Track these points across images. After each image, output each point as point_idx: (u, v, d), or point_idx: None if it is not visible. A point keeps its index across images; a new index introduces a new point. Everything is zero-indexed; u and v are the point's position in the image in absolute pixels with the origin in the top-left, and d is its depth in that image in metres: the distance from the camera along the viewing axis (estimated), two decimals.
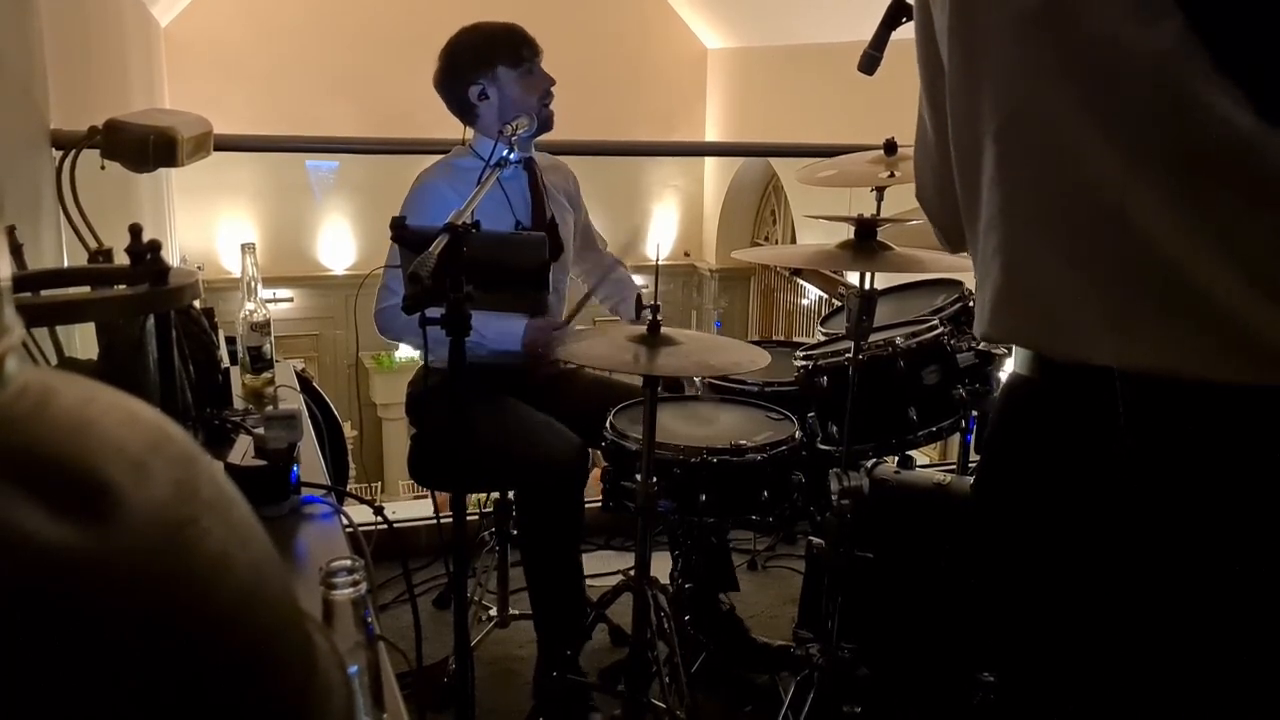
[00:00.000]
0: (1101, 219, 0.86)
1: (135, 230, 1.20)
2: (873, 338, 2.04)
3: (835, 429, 2.11)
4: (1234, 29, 0.79)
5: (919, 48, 1.04)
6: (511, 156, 2.00)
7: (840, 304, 2.29)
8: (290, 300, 10.61)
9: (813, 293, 9.66)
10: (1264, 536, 0.84)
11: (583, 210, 2.54)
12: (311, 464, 1.50)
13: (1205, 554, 0.86)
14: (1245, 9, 0.79)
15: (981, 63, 0.93)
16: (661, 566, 2.31)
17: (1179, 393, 0.84)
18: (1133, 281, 0.85)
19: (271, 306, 1.81)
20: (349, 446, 2.87)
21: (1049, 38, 0.86)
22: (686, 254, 11.83)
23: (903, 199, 2.08)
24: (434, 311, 1.38)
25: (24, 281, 1.21)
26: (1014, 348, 1.01)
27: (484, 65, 2.24)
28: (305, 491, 1.37)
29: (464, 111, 2.29)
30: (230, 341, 1.90)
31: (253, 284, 1.74)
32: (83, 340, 1.69)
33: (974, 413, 2.21)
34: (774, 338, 8.83)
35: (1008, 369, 2.20)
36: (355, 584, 0.66)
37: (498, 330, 2.22)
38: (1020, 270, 0.94)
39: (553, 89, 2.28)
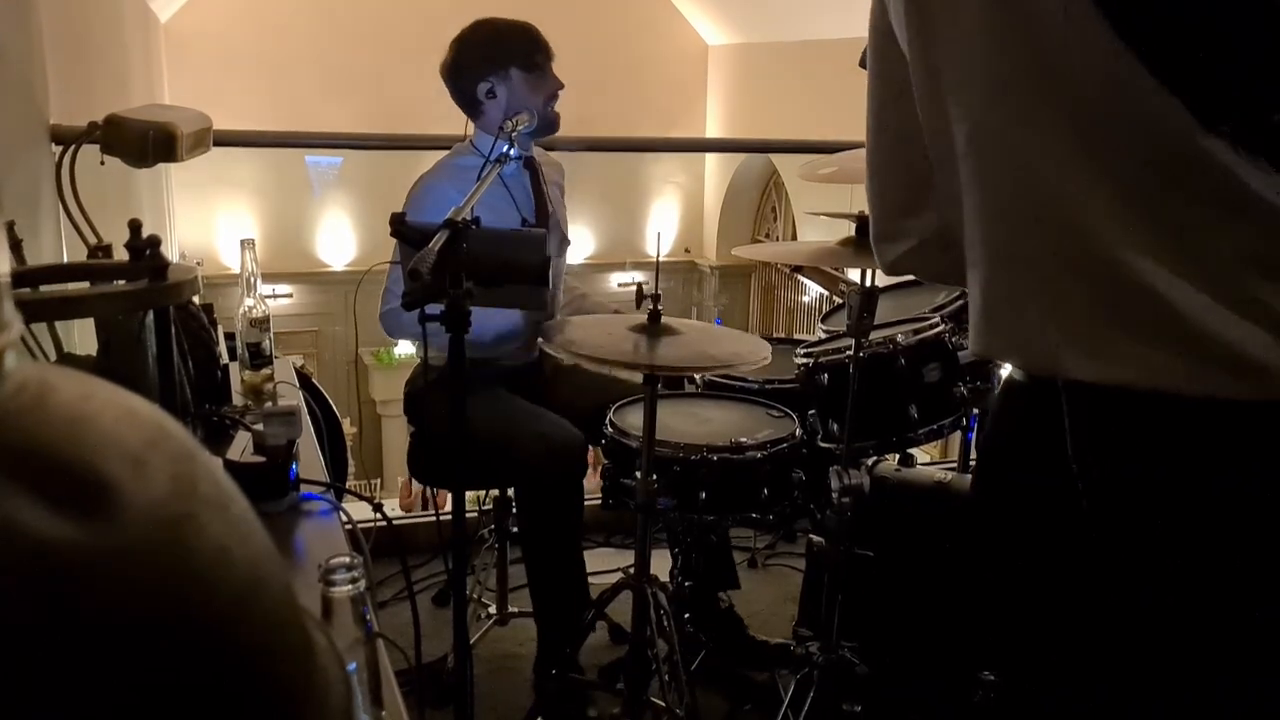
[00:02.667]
0: (1064, 235, 0.87)
1: (134, 226, 1.19)
2: (874, 335, 2.04)
3: (836, 426, 2.11)
4: (1163, 41, 0.79)
5: (876, 43, 1.04)
6: (512, 153, 1.99)
7: (841, 301, 2.29)
8: (290, 296, 10.60)
9: (814, 290, 9.67)
10: (1232, 542, 0.84)
11: None
12: (310, 461, 1.50)
13: (1177, 563, 0.86)
14: (1172, 23, 0.80)
15: (942, 73, 0.93)
16: (661, 564, 2.31)
17: (1144, 406, 0.84)
18: (1096, 297, 0.86)
19: (271, 302, 1.80)
20: (348, 443, 2.87)
21: (1002, 45, 0.87)
22: (687, 250, 11.83)
23: None
24: (435, 308, 1.38)
25: (23, 277, 1.21)
26: None
27: (495, 64, 2.23)
28: (304, 488, 1.36)
29: (469, 106, 2.29)
30: (229, 338, 1.89)
31: (252, 280, 1.74)
32: (82, 336, 1.69)
33: (975, 410, 2.21)
34: (775, 335, 8.83)
35: (1009, 368, 2.21)
36: (354, 581, 0.66)
37: (498, 320, 2.23)
38: (992, 288, 0.95)
39: (560, 92, 2.28)
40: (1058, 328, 0.88)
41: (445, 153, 2.38)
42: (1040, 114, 0.86)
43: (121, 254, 1.25)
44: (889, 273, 1.16)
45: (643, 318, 1.88)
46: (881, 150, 1.09)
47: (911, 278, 2.51)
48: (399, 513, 4.52)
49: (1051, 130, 0.85)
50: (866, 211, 2.00)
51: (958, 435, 2.46)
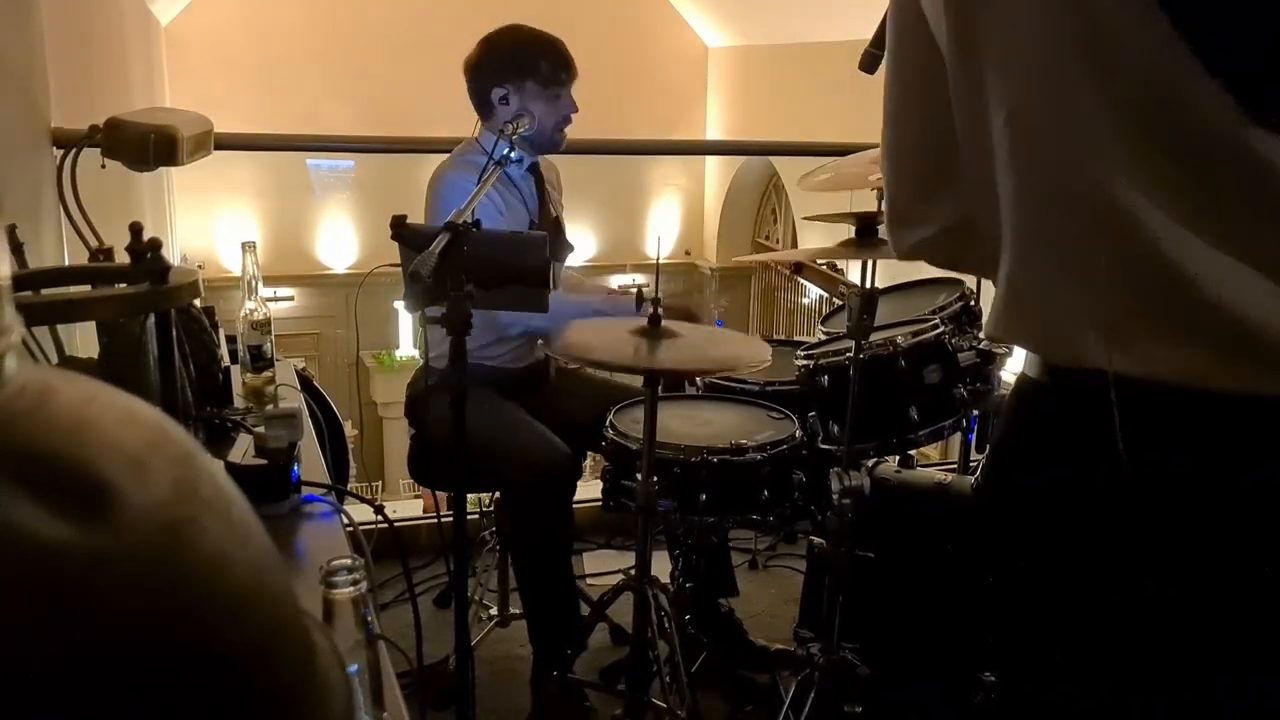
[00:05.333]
0: (1100, 222, 0.86)
1: (136, 229, 1.19)
2: (874, 336, 2.04)
3: (836, 428, 2.11)
4: (1216, 30, 0.79)
5: (896, 39, 1.03)
6: (512, 155, 2.00)
7: (841, 303, 2.29)
8: (291, 299, 10.62)
9: (814, 292, 9.67)
10: (1243, 539, 0.84)
11: None
12: (312, 463, 1.50)
13: (1204, 563, 0.86)
14: (1226, 12, 0.79)
15: (983, 55, 0.92)
16: (662, 566, 2.31)
17: (1176, 401, 0.83)
18: (1135, 288, 0.85)
19: (272, 305, 1.81)
20: (349, 445, 2.87)
21: (1053, 30, 0.86)
22: (687, 253, 11.84)
23: None
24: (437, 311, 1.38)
25: (25, 280, 1.21)
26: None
27: (516, 73, 2.23)
28: (305, 490, 1.36)
29: (481, 105, 2.30)
30: (231, 340, 1.89)
31: (253, 283, 1.74)
32: (83, 339, 1.69)
33: (975, 412, 2.21)
34: (775, 336, 8.82)
35: (1009, 368, 2.21)
36: (355, 583, 0.66)
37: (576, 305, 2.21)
38: (1021, 273, 0.94)
39: (572, 116, 2.29)
40: (1086, 315, 0.87)
41: (447, 154, 2.39)
42: (1084, 98, 0.85)
43: (123, 257, 1.26)
44: (904, 258, 1.14)
45: (643, 321, 1.88)
46: (902, 137, 1.07)
47: (911, 279, 2.52)
48: (400, 514, 4.51)
49: (1095, 115, 0.84)
50: (868, 211, 2.01)
51: (958, 437, 2.46)
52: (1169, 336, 0.83)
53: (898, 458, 2.23)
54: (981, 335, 2.15)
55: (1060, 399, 0.93)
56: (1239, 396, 0.81)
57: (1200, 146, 0.81)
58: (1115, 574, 0.91)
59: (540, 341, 2.21)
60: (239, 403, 1.72)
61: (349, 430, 3.84)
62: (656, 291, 1.91)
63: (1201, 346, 0.81)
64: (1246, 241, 0.80)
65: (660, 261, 2.25)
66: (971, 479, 2.14)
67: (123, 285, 1.22)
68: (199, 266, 1.42)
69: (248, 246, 1.76)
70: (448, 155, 2.36)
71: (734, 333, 2.13)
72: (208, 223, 9.89)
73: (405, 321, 10.57)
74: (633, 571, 2.01)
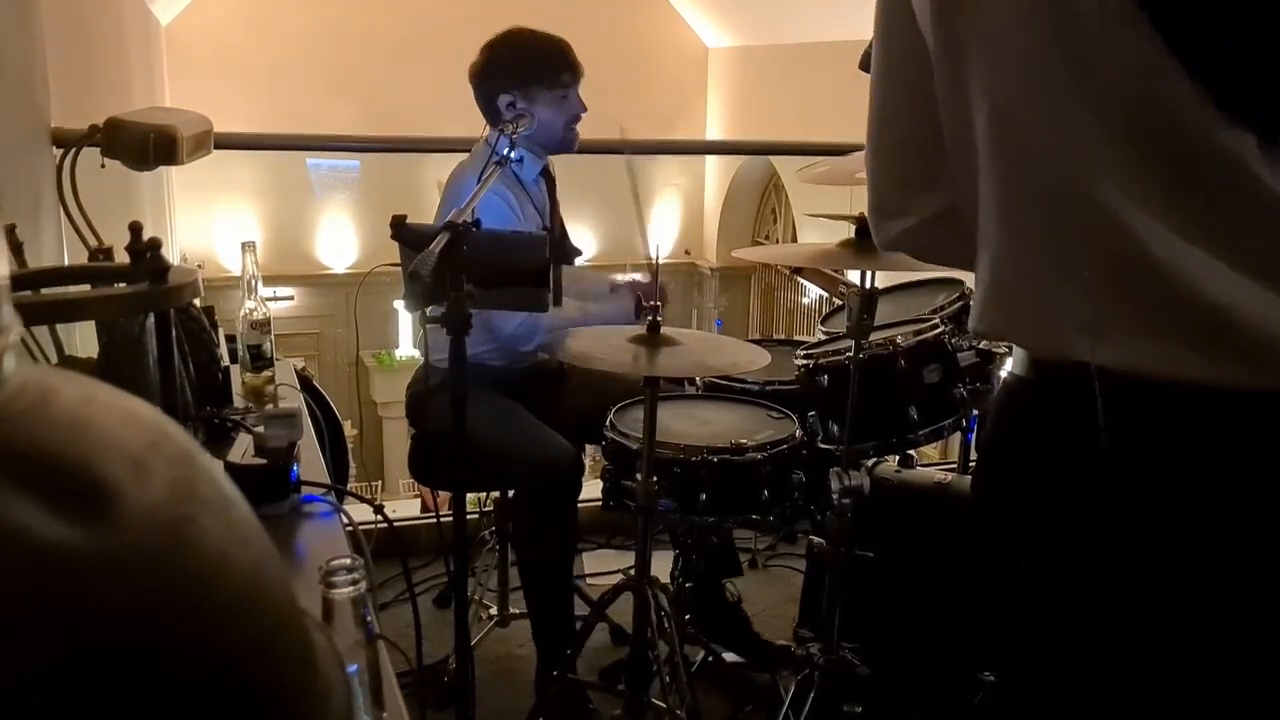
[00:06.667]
0: (1084, 217, 0.86)
1: (135, 228, 1.19)
2: (873, 336, 2.04)
3: (836, 428, 2.11)
4: (1195, 31, 0.79)
5: (885, 26, 1.03)
6: (513, 155, 2.00)
7: (841, 302, 2.29)
8: (291, 299, 10.61)
9: (814, 291, 9.67)
10: (1246, 540, 0.84)
11: None
12: (311, 463, 1.50)
13: (1200, 560, 0.86)
14: (1204, 13, 0.79)
15: (966, 52, 0.92)
16: (662, 565, 2.31)
17: (1159, 393, 0.84)
18: (1117, 283, 0.85)
19: (272, 305, 1.81)
20: (349, 445, 2.87)
21: (1036, 29, 0.86)
22: (687, 252, 11.84)
23: None
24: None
25: (24, 280, 1.21)
26: (1014, 346, 1.01)
27: (521, 80, 2.23)
28: (305, 490, 1.36)
29: (489, 113, 2.29)
30: (230, 340, 1.89)
31: (253, 282, 1.74)
32: (83, 338, 1.69)
33: (975, 412, 2.21)
34: (775, 336, 8.83)
35: (1008, 368, 2.21)
36: (355, 583, 0.66)
37: (610, 313, 2.23)
38: (1006, 267, 0.94)
39: (582, 115, 2.29)
40: (1069, 309, 0.87)
41: (447, 154, 2.39)
42: (1066, 96, 0.85)
43: (122, 257, 1.26)
44: (885, 249, 1.14)
45: (642, 328, 1.89)
46: (886, 128, 1.08)
47: (911, 279, 2.52)
48: (400, 514, 4.51)
49: (1076, 113, 0.84)
50: (867, 212, 2.01)
51: (957, 436, 2.46)
52: (1151, 330, 0.83)
53: (897, 457, 2.23)
54: (969, 329, 2.15)
55: (1048, 395, 0.93)
56: (1220, 389, 0.81)
57: (1180, 145, 0.81)
58: (1113, 572, 0.91)
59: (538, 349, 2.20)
60: (239, 403, 1.72)
61: (349, 430, 3.84)
62: (655, 294, 1.92)
63: (1183, 340, 0.82)
64: (1224, 238, 0.81)
65: (659, 263, 2.25)
66: (971, 479, 2.14)
67: (122, 285, 1.22)
68: (199, 266, 1.42)
69: (247, 246, 1.76)
70: (465, 155, 2.36)
71: (731, 339, 2.14)
72: (208, 222, 9.89)
73: (405, 321, 10.58)
74: (633, 571, 2.01)
